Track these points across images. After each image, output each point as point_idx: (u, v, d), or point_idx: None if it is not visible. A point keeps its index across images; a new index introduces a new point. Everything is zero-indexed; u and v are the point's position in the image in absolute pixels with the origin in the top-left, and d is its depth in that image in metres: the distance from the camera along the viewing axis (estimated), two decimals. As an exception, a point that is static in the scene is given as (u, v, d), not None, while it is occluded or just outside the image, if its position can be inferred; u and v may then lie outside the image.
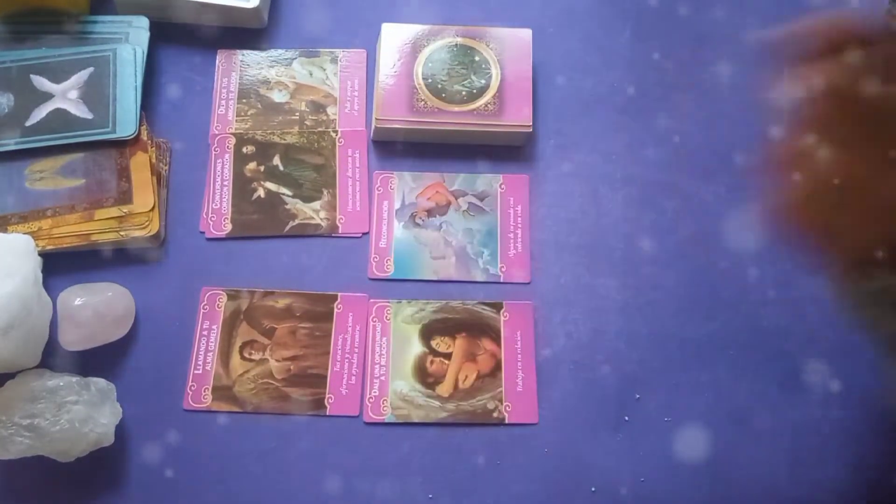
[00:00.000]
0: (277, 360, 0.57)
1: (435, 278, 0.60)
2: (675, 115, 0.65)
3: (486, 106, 0.63)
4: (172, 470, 0.54)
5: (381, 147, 0.64)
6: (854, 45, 0.38)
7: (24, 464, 0.51)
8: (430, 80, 0.63)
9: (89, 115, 0.61)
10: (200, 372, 0.56)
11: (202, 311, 0.58)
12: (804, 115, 0.39)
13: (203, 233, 0.61)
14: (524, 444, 0.55)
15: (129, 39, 0.64)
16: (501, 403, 0.56)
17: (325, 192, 0.62)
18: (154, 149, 0.61)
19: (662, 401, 0.57)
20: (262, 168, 0.63)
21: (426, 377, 0.57)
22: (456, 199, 0.62)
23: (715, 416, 0.56)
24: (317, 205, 0.62)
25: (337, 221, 0.61)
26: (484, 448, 0.55)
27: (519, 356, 0.58)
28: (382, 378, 0.57)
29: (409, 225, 0.61)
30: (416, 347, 0.58)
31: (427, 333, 0.58)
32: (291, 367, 0.57)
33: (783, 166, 0.40)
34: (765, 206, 0.41)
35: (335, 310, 0.59)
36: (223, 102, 0.65)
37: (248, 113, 0.64)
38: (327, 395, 0.56)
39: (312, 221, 0.61)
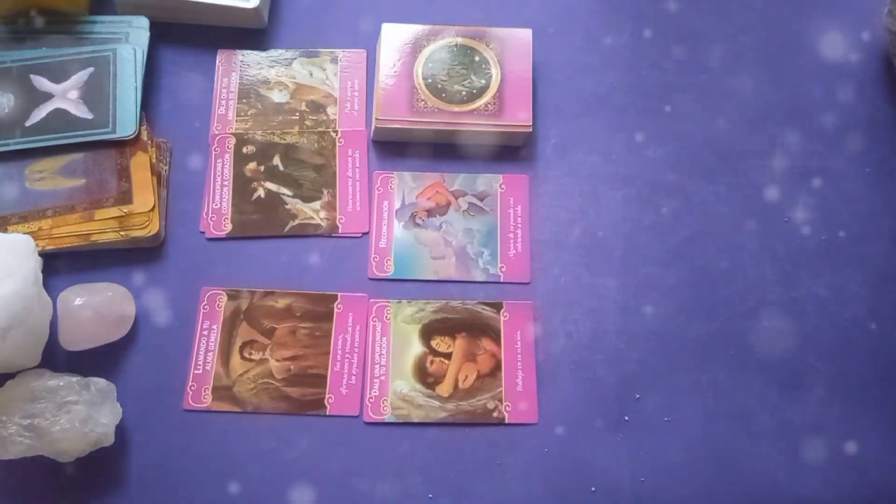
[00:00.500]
0: (277, 360, 0.57)
1: (435, 278, 0.60)
2: (674, 115, 0.65)
3: (485, 106, 0.63)
4: (172, 470, 0.54)
5: (381, 147, 0.64)
6: None
7: (24, 464, 0.51)
8: (430, 80, 0.63)
9: (89, 115, 0.61)
10: (200, 372, 0.56)
11: (202, 311, 0.58)
12: None
13: (203, 233, 0.61)
14: (524, 444, 0.55)
15: (129, 39, 0.64)
16: (501, 403, 0.56)
17: (325, 192, 0.62)
18: (154, 149, 0.61)
19: (662, 401, 0.57)
20: (262, 168, 0.63)
21: (426, 377, 0.57)
22: (456, 199, 0.62)
23: (715, 416, 0.56)
24: (317, 205, 0.62)
25: (337, 221, 0.61)
26: (484, 448, 0.55)
27: (519, 356, 0.58)
28: (382, 378, 0.57)
29: (409, 225, 0.61)
30: (416, 347, 0.58)
31: (427, 333, 0.58)
32: (291, 367, 0.57)
33: None
34: None
35: (335, 310, 0.59)
36: (223, 102, 0.65)
37: (248, 113, 0.64)
38: (327, 395, 0.56)
39: (312, 221, 0.61)
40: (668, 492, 0.54)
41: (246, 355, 0.57)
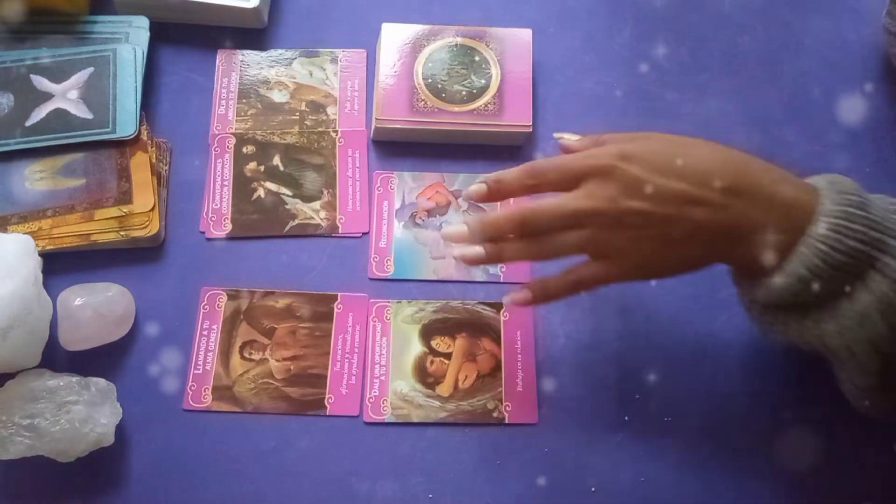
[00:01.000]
0: (277, 360, 0.57)
1: (435, 278, 0.60)
2: (674, 115, 0.65)
3: (486, 106, 0.63)
4: (172, 470, 0.54)
5: (381, 147, 0.64)
6: None
7: (24, 464, 0.51)
8: (430, 80, 0.63)
9: (89, 115, 0.61)
10: (200, 372, 0.56)
11: (202, 311, 0.58)
12: None
13: (203, 233, 0.61)
14: (524, 444, 0.55)
15: (129, 39, 0.64)
16: (501, 403, 0.56)
17: (325, 192, 0.62)
18: (154, 149, 0.61)
19: (662, 401, 0.57)
20: (262, 168, 0.63)
21: (426, 377, 0.57)
22: (456, 199, 0.62)
23: (714, 416, 0.56)
24: (317, 205, 0.62)
25: (337, 221, 0.61)
26: (484, 448, 0.55)
27: (519, 356, 0.58)
28: (382, 378, 0.57)
29: (409, 225, 0.61)
30: (416, 347, 0.58)
31: (427, 333, 0.58)
32: (291, 367, 0.57)
33: None
34: None
35: (335, 310, 0.59)
36: (223, 102, 0.65)
37: (248, 113, 0.64)
38: (327, 395, 0.56)
39: (312, 221, 0.61)
40: (668, 492, 0.54)
41: (246, 355, 0.57)
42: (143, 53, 0.63)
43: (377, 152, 0.64)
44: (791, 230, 0.44)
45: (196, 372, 0.56)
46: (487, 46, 0.65)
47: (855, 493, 0.54)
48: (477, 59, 0.64)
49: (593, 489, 0.54)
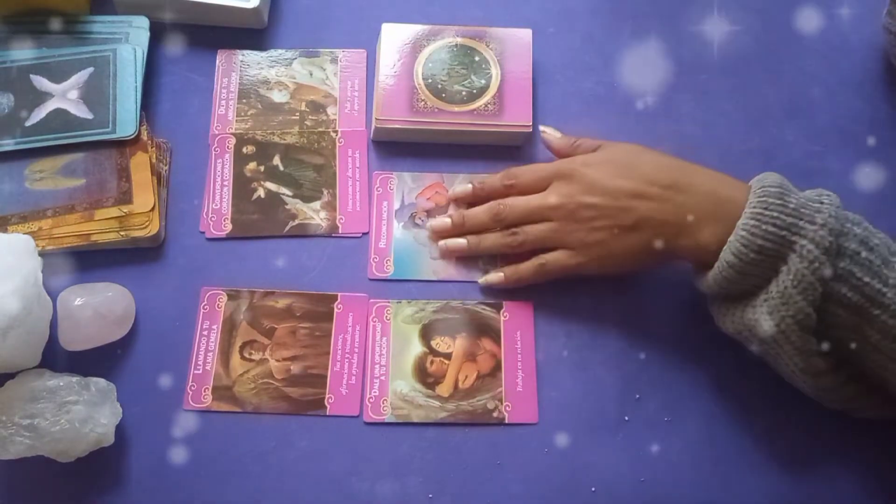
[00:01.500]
0: (277, 360, 0.57)
1: (435, 278, 0.60)
2: (674, 115, 0.65)
3: (485, 106, 0.63)
4: (172, 470, 0.54)
5: (381, 147, 0.64)
6: None
7: (24, 464, 0.51)
8: (430, 80, 0.63)
9: (89, 115, 0.61)
10: (200, 372, 0.56)
11: (202, 311, 0.58)
12: None
13: (203, 233, 0.61)
14: (524, 444, 0.55)
15: (129, 39, 0.64)
16: (501, 403, 0.56)
17: (325, 192, 0.62)
18: (154, 149, 0.61)
19: (662, 401, 0.57)
20: (262, 168, 0.63)
21: (426, 377, 0.57)
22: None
23: (715, 415, 0.56)
24: (317, 205, 0.62)
25: (337, 221, 0.61)
26: (484, 448, 0.55)
27: (519, 356, 0.58)
28: (382, 378, 0.57)
29: (408, 225, 0.61)
30: (416, 347, 0.58)
31: (427, 333, 0.58)
32: (291, 367, 0.57)
33: None
34: None
35: (335, 310, 0.59)
36: (223, 102, 0.65)
37: (248, 113, 0.64)
38: (327, 395, 0.56)
39: (312, 221, 0.61)
40: (668, 492, 0.54)
41: (246, 355, 0.57)
42: (143, 53, 0.63)
43: (377, 152, 0.64)
44: (723, 222, 0.51)
45: (196, 372, 0.56)
46: (487, 46, 0.65)
47: (855, 494, 0.54)
48: (477, 59, 0.64)
49: (593, 489, 0.54)
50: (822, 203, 0.50)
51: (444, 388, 0.57)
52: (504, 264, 0.60)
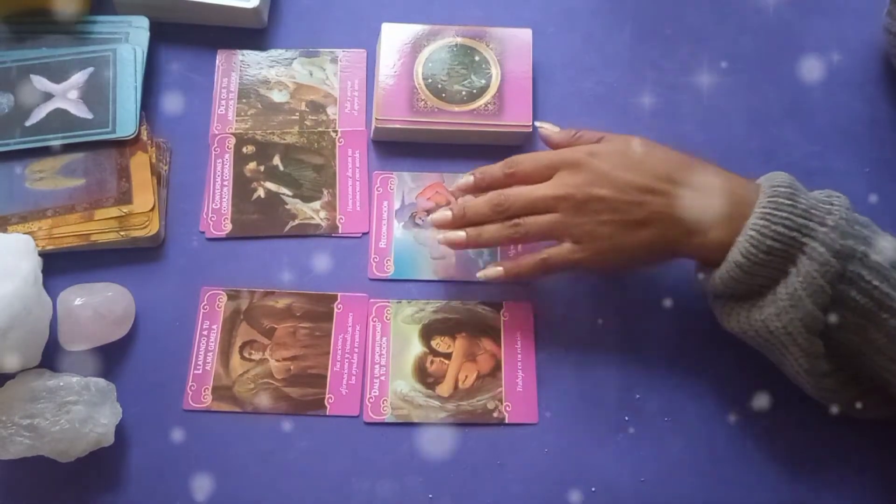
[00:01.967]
0: (277, 360, 0.57)
1: (435, 278, 0.60)
2: (674, 115, 0.65)
3: (486, 106, 0.63)
4: (172, 470, 0.54)
5: (381, 147, 0.64)
6: None
7: (24, 464, 0.51)
8: (430, 80, 0.63)
9: (89, 115, 0.61)
10: (200, 372, 0.56)
11: (202, 311, 0.58)
12: None
13: (203, 233, 0.61)
14: (524, 444, 0.55)
15: (129, 39, 0.64)
16: (501, 403, 0.56)
17: (325, 192, 0.62)
18: (154, 149, 0.61)
19: (662, 401, 0.57)
20: (262, 168, 0.63)
21: (426, 377, 0.57)
22: (456, 199, 0.62)
23: (715, 415, 0.56)
24: (317, 205, 0.62)
25: (337, 221, 0.61)
26: (484, 448, 0.55)
27: (519, 356, 0.58)
28: (382, 378, 0.57)
29: (408, 225, 0.61)
30: (416, 347, 0.58)
31: (427, 333, 0.58)
32: (291, 367, 0.57)
33: None
34: None
35: (335, 310, 0.59)
36: (223, 102, 0.65)
37: (248, 113, 0.64)
38: (327, 395, 0.56)
39: (312, 221, 0.61)
40: (668, 492, 0.54)
41: (246, 355, 0.57)
42: (143, 53, 0.63)
43: (377, 152, 0.64)
44: (734, 221, 0.50)
45: (196, 372, 0.56)
46: (487, 46, 0.65)
47: (856, 494, 0.54)
48: (477, 59, 0.64)
49: (593, 489, 0.54)
50: (832, 204, 0.49)
51: (444, 388, 0.57)
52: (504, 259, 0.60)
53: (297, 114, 0.64)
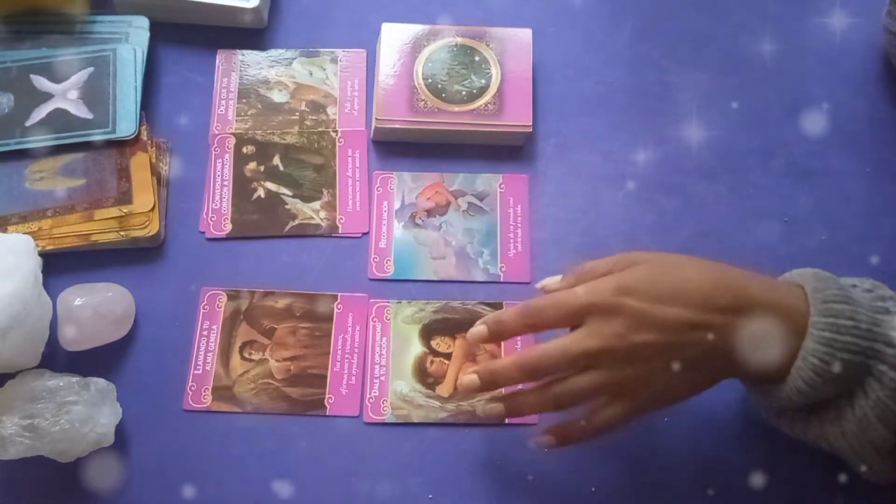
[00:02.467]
0: (277, 360, 0.57)
1: (435, 278, 0.60)
2: (674, 115, 0.65)
3: (485, 106, 0.63)
4: (172, 470, 0.54)
5: (381, 147, 0.64)
6: None
7: (24, 464, 0.51)
8: (430, 80, 0.63)
9: (89, 115, 0.61)
10: (200, 372, 0.56)
11: (202, 311, 0.58)
12: None
13: (203, 233, 0.61)
14: (524, 444, 0.55)
15: (129, 39, 0.64)
16: (501, 403, 0.56)
17: (325, 192, 0.62)
18: (154, 149, 0.61)
19: (662, 401, 0.56)
20: (262, 168, 0.63)
21: (426, 377, 0.57)
22: (455, 199, 0.62)
23: (715, 416, 0.56)
24: (317, 205, 0.62)
25: (337, 221, 0.61)
26: (484, 448, 0.55)
27: (519, 356, 0.57)
28: (382, 378, 0.57)
29: (408, 225, 0.61)
30: (416, 347, 0.58)
31: (427, 333, 0.58)
32: (291, 367, 0.57)
33: None
34: None
35: (335, 310, 0.59)
36: (223, 102, 0.65)
37: (248, 113, 0.64)
38: (327, 395, 0.56)
39: (312, 221, 0.61)
40: (669, 492, 0.54)
41: (246, 355, 0.57)
42: (143, 53, 0.63)
43: (377, 152, 0.64)
44: (789, 339, 0.45)
45: (196, 372, 0.56)
46: (487, 46, 0.65)
47: (857, 494, 0.54)
48: (477, 59, 0.64)
49: (593, 489, 0.54)
50: (889, 313, 0.45)
51: (444, 389, 0.57)
52: (504, 263, 0.60)
53: (297, 114, 0.64)
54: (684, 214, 0.62)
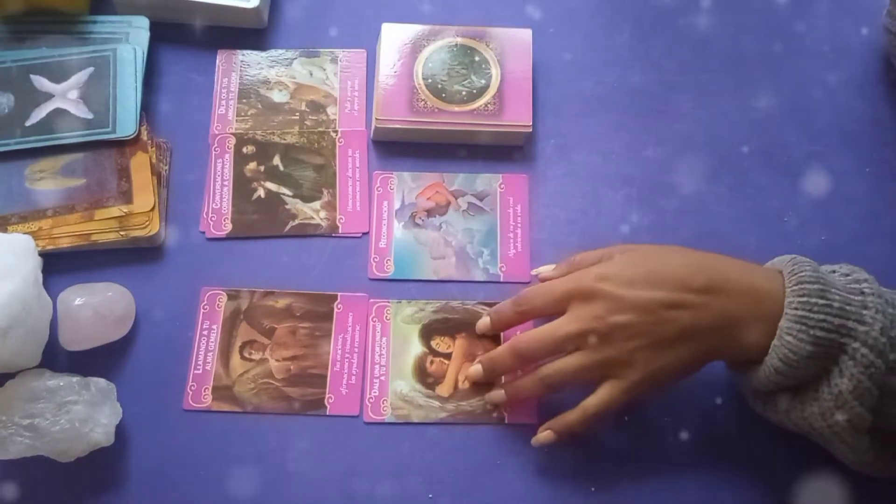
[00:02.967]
0: (277, 360, 0.57)
1: (435, 278, 0.60)
2: (674, 115, 0.65)
3: (485, 106, 0.63)
4: (172, 470, 0.54)
5: (381, 147, 0.64)
6: None
7: (24, 464, 0.51)
8: (430, 80, 0.63)
9: (89, 115, 0.61)
10: (200, 372, 0.56)
11: (202, 311, 0.58)
12: None
13: (203, 233, 0.61)
14: (524, 444, 0.55)
15: (129, 39, 0.64)
16: (501, 403, 0.56)
17: (325, 192, 0.62)
18: (154, 149, 0.61)
19: (662, 401, 0.56)
20: (262, 168, 0.63)
21: (426, 377, 0.57)
22: (455, 198, 0.62)
23: (715, 416, 0.56)
24: (317, 205, 0.62)
25: (337, 221, 0.61)
26: (484, 448, 0.55)
27: (519, 356, 0.57)
28: (382, 378, 0.57)
29: (408, 225, 0.61)
30: (416, 347, 0.58)
31: (427, 333, 0.58)
32: (291, 367, 0.57)
33: None
34: None
35: (335, 310, 0.59)
36: (223, 102, 0.65)
37: (248, 113, 0.64)
38: (327, 395, 0.56)
39: (312, 221, 0.61)
40: (668, 492, 0.54)
41: (246, 355, 0.57)
42: (143, 53, 0.63)
43: (377, 152, 0.64)
44: (766, 320, 0.47)
45: (196, 372, 0.56)
46: (487, 46, 0.65)
47: (858, 494, 0.54)
48: (477, 59, 0.64)
49: (593, 489, 0.54)
50: (863, 294, 0.47)
51: (444, 388, 0.57)
52: (503, 263, 0.60)
53: (298, 114, 0.64)
54: (684, 214, 0.62)
